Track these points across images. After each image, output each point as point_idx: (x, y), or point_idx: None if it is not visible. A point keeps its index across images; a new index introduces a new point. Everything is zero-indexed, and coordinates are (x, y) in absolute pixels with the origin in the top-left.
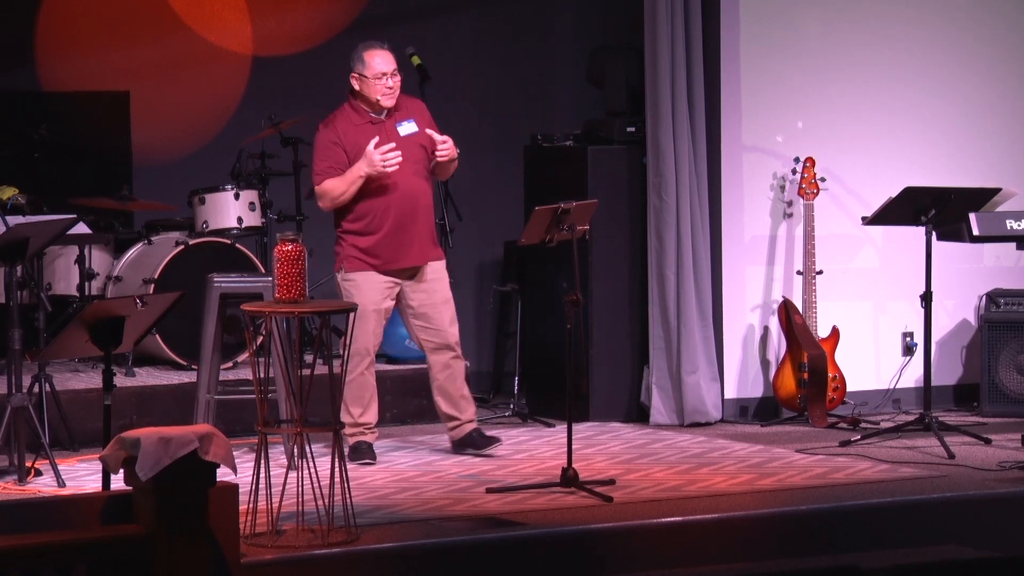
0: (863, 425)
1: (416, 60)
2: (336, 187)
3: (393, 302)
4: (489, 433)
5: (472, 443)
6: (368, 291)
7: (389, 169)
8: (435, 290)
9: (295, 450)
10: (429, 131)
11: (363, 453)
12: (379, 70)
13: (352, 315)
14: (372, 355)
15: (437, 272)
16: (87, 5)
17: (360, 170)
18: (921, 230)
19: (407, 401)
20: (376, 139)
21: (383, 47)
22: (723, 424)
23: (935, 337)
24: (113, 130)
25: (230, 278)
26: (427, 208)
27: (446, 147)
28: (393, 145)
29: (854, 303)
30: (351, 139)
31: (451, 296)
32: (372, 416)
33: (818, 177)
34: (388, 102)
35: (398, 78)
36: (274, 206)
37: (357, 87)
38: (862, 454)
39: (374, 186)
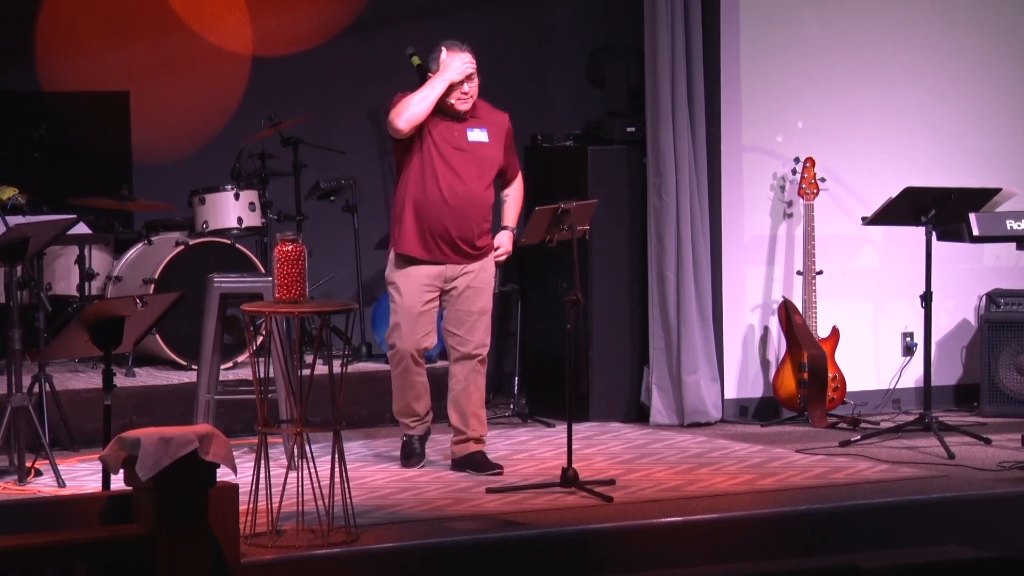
0: (863, 425)
1: (416, 60)
2: (414, 95)
3: (435, 297)
4: (493, 459)
5: (473, 464)
6: (411, 289)
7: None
8: (472, 299)
9: (295, 450)
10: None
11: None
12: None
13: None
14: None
15: (481, 281)
16: (87, 5)
17: (441, 77)
18: (921, 230)
19: None
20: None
21: (464, 48)
22: (723, 424)
23: (935, 337)
24: (113, 130)
25: (230, 278)
26: (480, 214)
27: (500, 255)
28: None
29: (854, 303)
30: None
31: (490, 308)
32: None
33: (818, 177)
34: (463, 106)
35: (475, 83)
36: (274, 206)
37: None
38: (862, 454)
39: (432, 180)
